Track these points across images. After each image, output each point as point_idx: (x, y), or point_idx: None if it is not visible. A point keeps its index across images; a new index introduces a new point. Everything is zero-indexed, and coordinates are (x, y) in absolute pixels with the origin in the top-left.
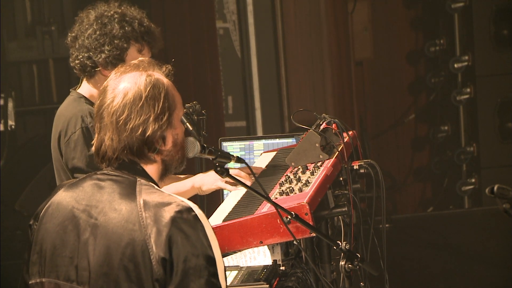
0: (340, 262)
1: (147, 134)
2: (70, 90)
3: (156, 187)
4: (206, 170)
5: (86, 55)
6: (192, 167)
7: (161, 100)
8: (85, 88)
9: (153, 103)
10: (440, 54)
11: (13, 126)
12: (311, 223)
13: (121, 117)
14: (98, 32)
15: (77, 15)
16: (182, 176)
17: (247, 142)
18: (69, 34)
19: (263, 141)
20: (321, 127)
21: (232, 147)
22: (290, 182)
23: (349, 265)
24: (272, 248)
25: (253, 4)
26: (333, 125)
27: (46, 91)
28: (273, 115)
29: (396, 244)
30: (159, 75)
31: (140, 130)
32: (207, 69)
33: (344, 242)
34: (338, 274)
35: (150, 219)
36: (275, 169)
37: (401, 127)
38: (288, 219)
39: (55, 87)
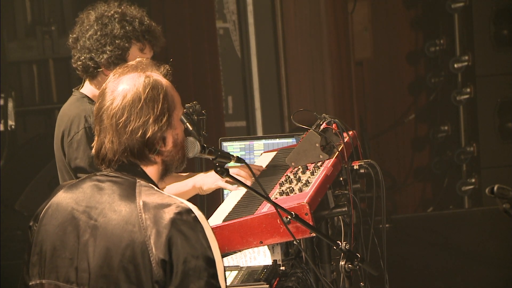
0: (340, 262)
1: (147, 135)
2: (73, 89)
3: (155, 188)
4: (206, 170)
5: (88, 56)
6: (192, 167)
7: (160, 101)
8: (88, 88)
9: (152, 105)
10: (440, 54)
11: (13, 126)
12: (311, 223)
13: (121, 120)
14: (99, 33)
15: (77, 15)
16: (184, 174)
17: (247, 142)
18: (70, 35)
19: (263, 141)
20: (321, 127)
21: (232, 147)
22: (290, 182)
23: (349, 265)
24: (272, 248)
25: (253, 4)
26: (333, 125)
27: (46, 91)
28: (273, 115)
29: (396, 244)
30: (158, 75)
31: (140, 132)
32: (207, 69)
33: (344, 242)
34: (338, 274)
35: (149, 220)
36: (275, 169)
37: (401, 127)
38: (288, 219)
39: (55, 87)
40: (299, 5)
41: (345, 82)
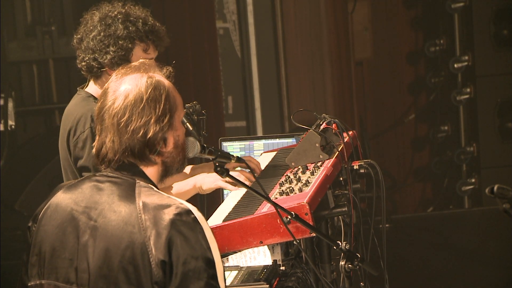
0: (340, 262)
1: (148, 136)
2: (78, 88)
3: (155, 189)
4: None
5: (91, 56)
6: None
7: (162, 102)
8: (93, 88)
9: (154, 105)
10: (440, 54)
11: (13, 126)
12: (311, 223)
13: (122, 119)
14: (102, 34)
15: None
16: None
17: (247, 142)
18: (75, 36)
19: (263, 141)
20: (321, 127)
21: (232, 147)
22: (290, 182)
23: (349, 265)
24: (272, 248)
25: (253, 4)
26: (333, 125)
27: (46, 91)
28: (273, 115)
29: (396, 244)
30: (160, 76)
31: (141, 132)
32: (207, 69)
33: (344, 242)
34: (338, 274)
35: (149, 221)
36: (275, 169)
37: (401, 127)
38: (288, 219)
39: (55, 87)
40: (299, 5)
41: (345, 82)
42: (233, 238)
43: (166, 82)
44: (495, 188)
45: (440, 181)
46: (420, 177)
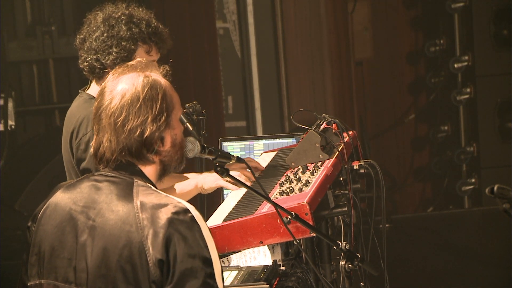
0: (340, 262)
1: (145, 135)
2: (80, 91)
3: (153, 188)
4: (207, 170)
5: (94, 57)
6: (192, 167)
7: (159, 101)
8: (95, 89)
9: (150, 104)
10: (440, 54)
11: (13, 126)
12: (311, 223)
13: (119, 119)
14: (105, 34)
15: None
16: (186, 174)
17: (247, 142)
18: (78, 36)
19: (263, 141)
20: (321, 127)
21: (232, 147)
22: (290, 182)
23: (349, 265)
24: (272, 248)
25: (253, 4)
26: (333, 125)
27: (46, 91)
28: (273, 115)
29: (396, 244)
30: (157, 75)
31: (138, 131)
32: (207, 69)
33: (344, 242)
34: (338, 274)
35: (147, 220)
36: (275, 169)
37: (401, 127)
38: (288, 219)
39: (55, 87)
40: (299, 5)
41: (345, 82)
42: (233, 238)
43: (163, 81)
44: (495, 188)
45: (440, 181)
46: (420, 177)
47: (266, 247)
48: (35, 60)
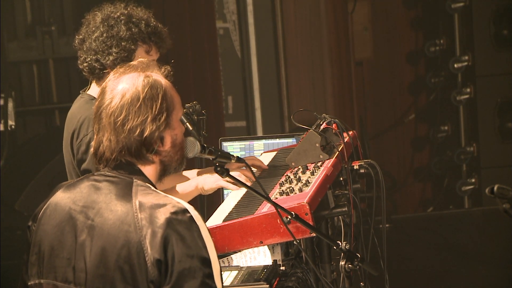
0: (340, 262)
1: (145, 134)
2: (80, 91)
3: (152, 188)
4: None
5: (94, 57)
6: (192, 167)
7: (159, 101)
8: (95, 90)
9: (150, 104)
10: (440, 54)
11: (13, 126)
12: (311, 223)
13: (119, 118)
14: (105, 35)
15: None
16: (185, 172)
17: (247, 142)
18: (76, 36)
19: (263, 141)
20: (321, 127)
21: (232, 147)
22: (290, 182)
23: (349, 265)
24: (272, 248)
25: (253, 4)
26: (333, 125)
27: (46, 91)
28: (273, 115)
29: (396, 244)
30: (158, 76)
31: (138, 131)
32: (207, 69)
33: (344, 242)
34: (338, 274)
35: (145, 220)
36: (275, 169)
37: (401, 127)
38: (288, 219)
39: (55, 87)
40: (299, 5)
41: (345, 82)
42: (233, 238)
43: (164, 81)
44: (495, 188)
45: (440, 181)
46: (420, 177)
47: (266, 247)
48: (35, 60)
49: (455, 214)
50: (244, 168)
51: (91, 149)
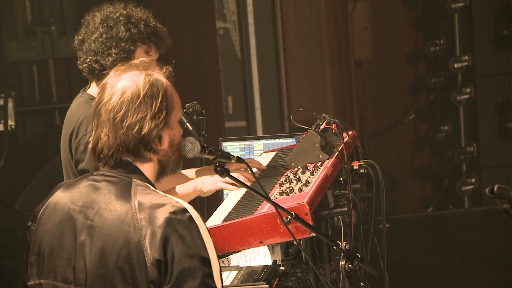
0: (340, 262)
1: (143, 132)
2: (80, 90)
3: (151, 187)
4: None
5: (93, 58)
6: (192, 167)
7: (159, 99)
8: (95, 90)
9: (150, 102)
10: (440, 54)
11: (13, 126)
12: (311, 223)
13: (118, 114)
14: (104, 36)
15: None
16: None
17: (247, 142)
18: (76, 37)
19: (263, 141)
20: (321, 127)
21: (232, 147)
22: (290, 182)
23: (349, 265)
24: (272, 248)
25: (253, 4)
26: (333, 125)
27: (46, 91)
28: (273, 115)
29: (396, 244)
30: (159, 75)
31: (136, 128)
32: (207, 69)
33: (344, 242)
34: (338, 274)
35: (144, 220)
36: (275, 169)
37: (401, 127)
38: (288, 219)
39: (55, 87)
40: (299, 5)
41: (345, 82)
42: (233, 238)
43: (165, 81)
44: (495, 188)
45: (440, 181)
46: (420, 177)
47: (266, 247)
48: (35, 60)
49: (455, 214)
50: (243, 169)
51: (89, 145)
